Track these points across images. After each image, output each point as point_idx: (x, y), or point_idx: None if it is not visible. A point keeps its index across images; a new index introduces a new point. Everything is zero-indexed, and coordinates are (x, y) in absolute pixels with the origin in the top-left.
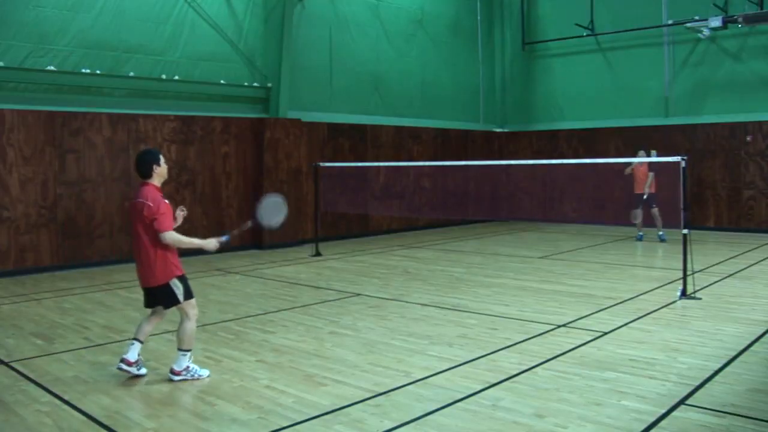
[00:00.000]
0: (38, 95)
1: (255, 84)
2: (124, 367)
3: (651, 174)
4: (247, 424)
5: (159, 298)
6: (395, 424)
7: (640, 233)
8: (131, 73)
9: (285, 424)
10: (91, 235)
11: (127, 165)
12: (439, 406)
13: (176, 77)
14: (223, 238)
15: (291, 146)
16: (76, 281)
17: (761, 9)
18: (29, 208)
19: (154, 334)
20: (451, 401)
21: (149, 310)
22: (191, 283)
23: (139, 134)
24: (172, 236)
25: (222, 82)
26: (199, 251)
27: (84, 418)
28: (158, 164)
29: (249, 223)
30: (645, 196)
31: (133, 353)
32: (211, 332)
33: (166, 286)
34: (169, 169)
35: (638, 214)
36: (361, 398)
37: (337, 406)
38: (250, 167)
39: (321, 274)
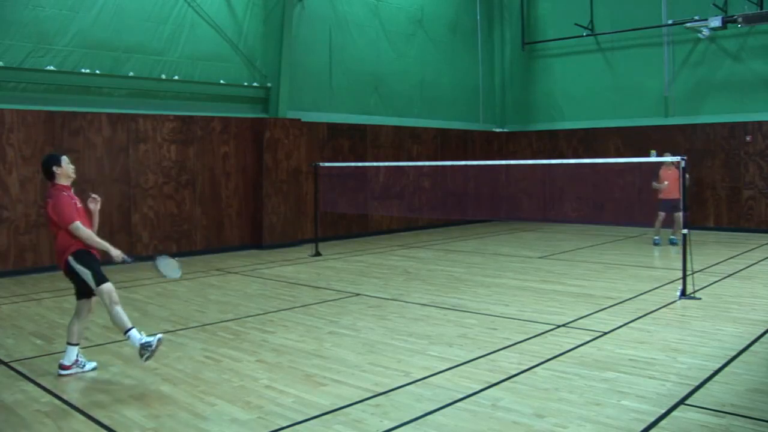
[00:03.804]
0: (38, 95)
1: (255, 84)
2: (62, 372)
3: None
4: (247, 424)
5: (75, 283)
6: (395, 424)
7: (663, 237)
8: (131, 73)
9: (285, 424)
10: None
11: (126, 165)
12: (438, 406)
13: (176, 77)
14: (128, 259)
15: (291, 146)
16: None
17: (761, 9)
18: (29, 208)
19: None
20: (450, 401)
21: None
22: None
23: (139, 134)
24: (77, 227)
25: (222, 82)
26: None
27: (84, 418)
28: (58, 165)
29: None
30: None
31: (69, 357)
32: (211, 332)
33: (69, 265)
34: (169, 169)
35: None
36: (361, 398)
37: (337, 406)
38: (250, 167)
39: (321, 274)
